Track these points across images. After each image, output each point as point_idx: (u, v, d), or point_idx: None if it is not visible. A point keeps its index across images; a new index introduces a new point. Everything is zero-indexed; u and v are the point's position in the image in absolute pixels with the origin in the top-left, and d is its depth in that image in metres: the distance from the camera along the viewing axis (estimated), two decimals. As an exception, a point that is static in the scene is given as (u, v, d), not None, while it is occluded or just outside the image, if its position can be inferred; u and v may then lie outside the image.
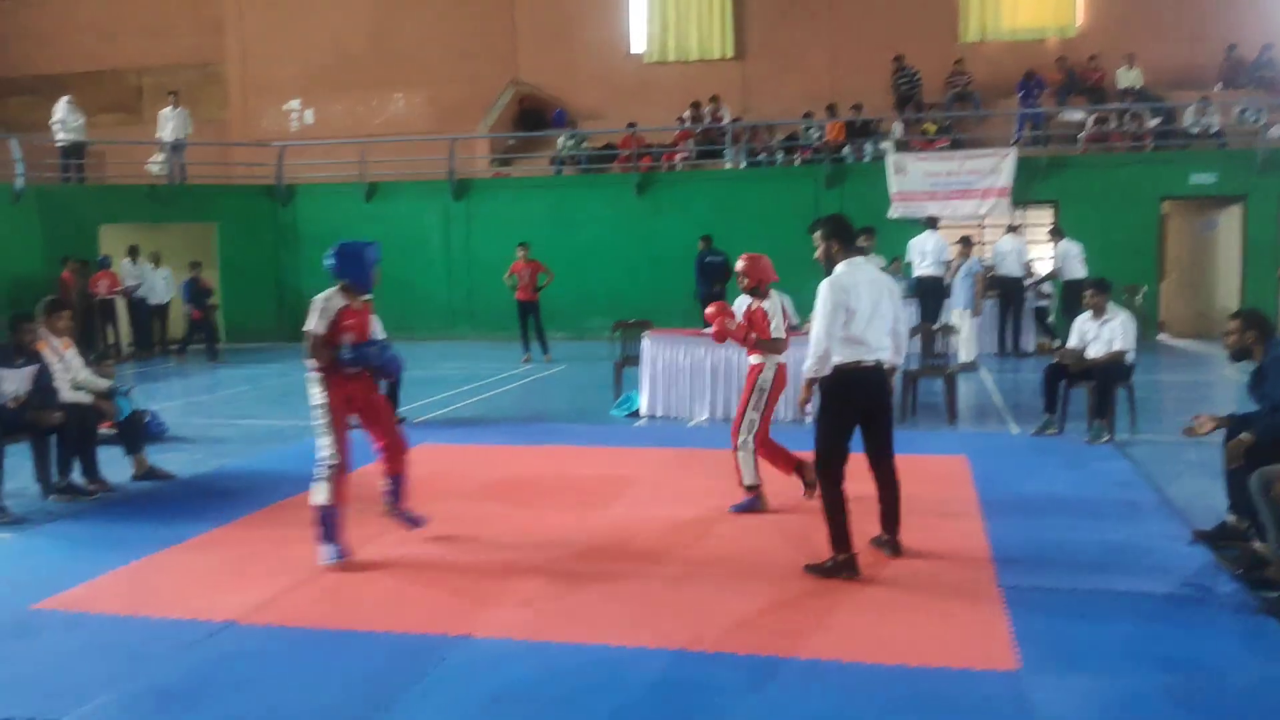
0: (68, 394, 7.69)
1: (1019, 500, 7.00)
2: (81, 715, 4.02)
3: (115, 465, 8.07)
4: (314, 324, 5.64)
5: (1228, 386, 12.32)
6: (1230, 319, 6.00)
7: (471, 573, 5.67)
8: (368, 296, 5.95)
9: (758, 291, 6.93)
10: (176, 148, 19.41)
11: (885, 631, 4.73)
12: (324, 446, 5.70)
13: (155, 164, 19.91)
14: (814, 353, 5.44)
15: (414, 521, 6.26)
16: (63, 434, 7.42)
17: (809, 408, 5.93)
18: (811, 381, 5.54)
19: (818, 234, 5.66)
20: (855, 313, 5.42)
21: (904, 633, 4.70)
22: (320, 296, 5.72)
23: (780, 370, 6.90)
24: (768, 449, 6.97)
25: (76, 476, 7.60)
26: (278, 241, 20.15)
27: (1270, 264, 15.33)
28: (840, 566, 5.47)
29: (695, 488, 7.44)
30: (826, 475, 5.53)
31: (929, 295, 14.17)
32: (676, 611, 5.01)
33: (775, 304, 6.92)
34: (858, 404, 5.57)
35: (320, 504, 5.69)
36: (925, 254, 14.27)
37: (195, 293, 16.91)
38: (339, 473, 5.70)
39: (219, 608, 5.10)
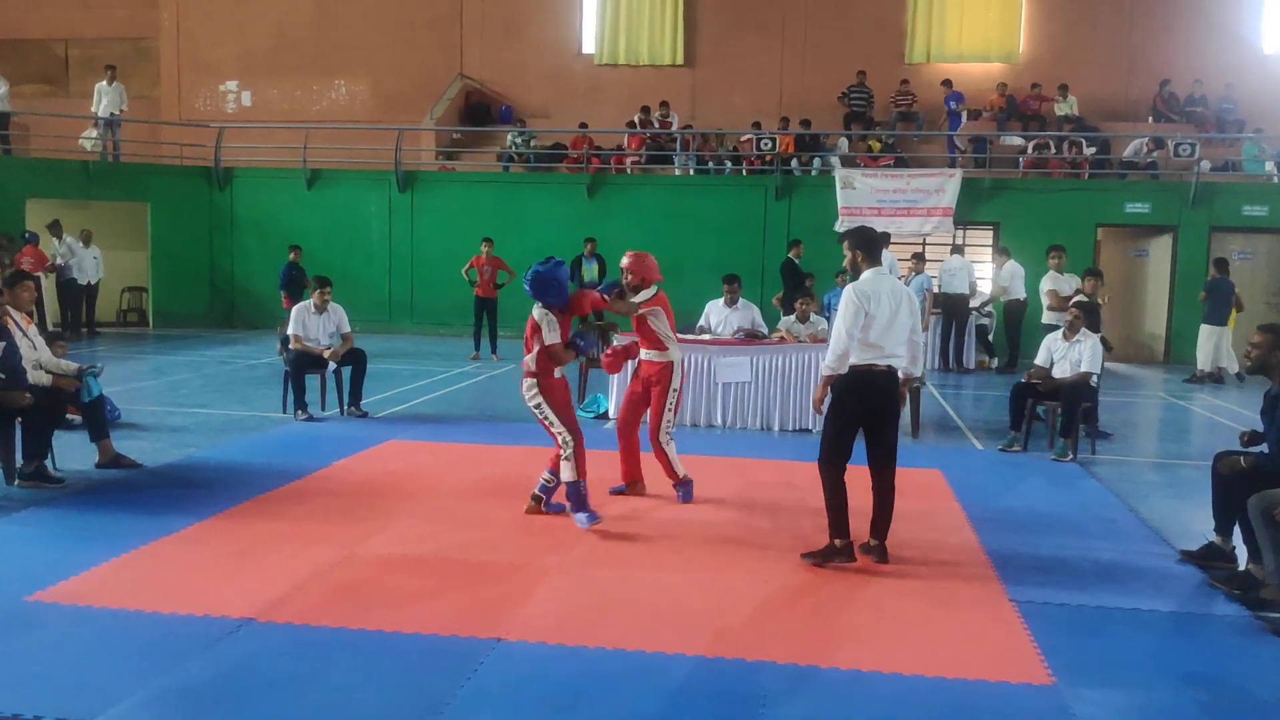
0: (33, 374, 7.34)
1: (1003, 516, 7.12)
2: (116, 714, 3.84)
3: (76, 451, 7.76)
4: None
5: (1160, 407, 12.77)
6: (1258, 331, 5.89)
7: (484, 573, 5.57)
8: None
9: (640, 289, 7.30)
10: (111, 124, 18.74)
11: (914, 643, 4.76)
12: (560, 432, 6.40)
13: (88, 139, 19.15)
14: (834, 351, 5.74)
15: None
16: (30, 417, 7.08)
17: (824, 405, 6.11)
18: (828, 379, 5.81)
19: (845, 244, 5.99)
20: (874, 318, 5.70)
21: (933, 644, 4.75)
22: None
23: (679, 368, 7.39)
24: (627, 442, 7.42)
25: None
26: (212, 225, 19.56)
27: (1198, 292, 15.89)
28: (836, 552, 5.76)
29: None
30: (829, 466, 5.82)
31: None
32: (704, 616, 4.98)
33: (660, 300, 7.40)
34: (865, 404, 5.80)
35: (569, 480, 6.39)
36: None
37: (292, 278, 14.88)
38: (579, 449, 6.41)
39: (232, 604, 4.93)
